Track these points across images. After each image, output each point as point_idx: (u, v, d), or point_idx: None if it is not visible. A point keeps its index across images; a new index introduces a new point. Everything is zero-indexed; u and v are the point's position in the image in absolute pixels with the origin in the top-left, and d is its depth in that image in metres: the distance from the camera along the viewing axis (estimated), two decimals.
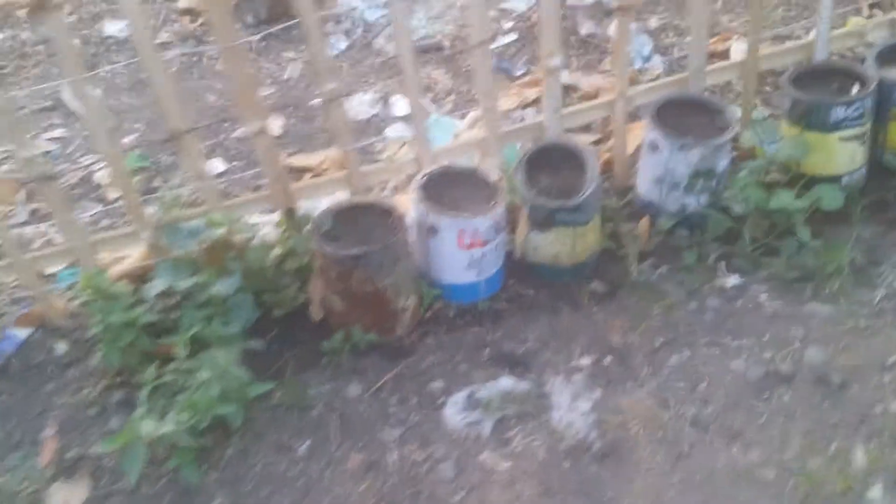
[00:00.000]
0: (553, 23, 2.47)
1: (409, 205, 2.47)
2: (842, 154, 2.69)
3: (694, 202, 2.64)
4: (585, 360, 2.32)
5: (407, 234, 2.38)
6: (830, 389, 2.17)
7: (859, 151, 2.72)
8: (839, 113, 2.64)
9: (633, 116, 2.86)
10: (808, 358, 2.25)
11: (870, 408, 2.10)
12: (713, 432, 2.12)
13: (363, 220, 2.40)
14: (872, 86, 2.68)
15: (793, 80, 2.77)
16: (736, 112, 2.89)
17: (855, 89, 2.72)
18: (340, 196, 2.58)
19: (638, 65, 3.43)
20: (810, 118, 2.67)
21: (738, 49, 3.33)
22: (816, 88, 2.75)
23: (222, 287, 2.27)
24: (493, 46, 3.60)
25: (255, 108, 2.30)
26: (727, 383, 2.22)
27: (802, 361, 2.24)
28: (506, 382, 2.28)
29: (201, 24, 3.96)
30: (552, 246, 2.49)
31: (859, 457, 2.00)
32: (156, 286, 2.30)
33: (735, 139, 2.86)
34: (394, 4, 2.26)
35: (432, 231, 2.38)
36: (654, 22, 3.72)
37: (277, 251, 2.47)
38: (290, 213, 2.48)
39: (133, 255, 2.52)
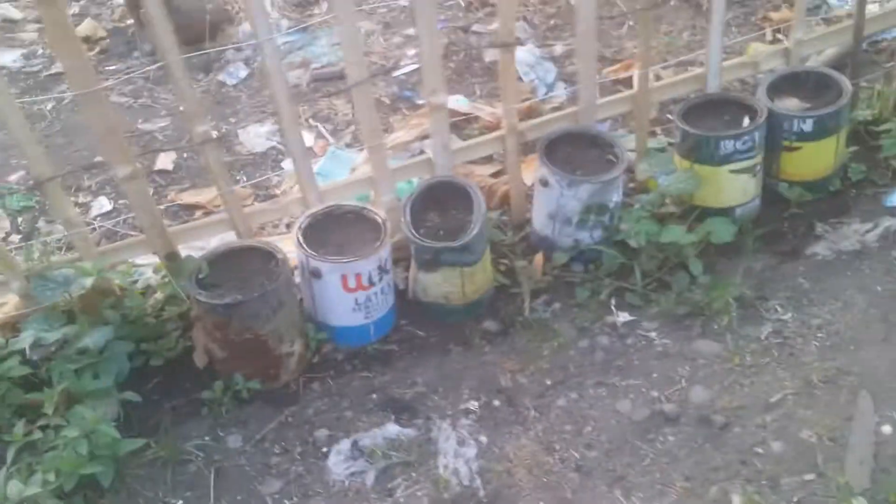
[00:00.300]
0: (436, 59, 2.43)
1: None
2: (733, 186, 2.71)
3: (587, 237, 2.63)
4: (473, 404, 2.28)
5: (290, 278, 2.32)
6: (713, 430, 2.16)
7: (751, 183, 2.74)
8: (728, 146, 2.65)
9: (533, 148, 2.83)
10: (692, 398, 2.25)
11: (750, 450, 2.10)
12: (596, 477, 2.09)
13: (245, 263, 2.33)
14: (762, 118, 2.69)
15: (685, 112, 2.78)
16: (628, 144, 2.89)
17: (745, 121, 2.73)
18: (227, 237, 2.50)
19: (542, 93, 3.41)
20: (700, 151, 2.68)
21: (647, 76, 3.32)
22: (709, 120, 2.76)
23: (93, 338, 2.18)
24: (396, 74, 3.58)
25: (122, 153, 2.21)
26: (613, 425, 2.20)
27: (687, 401, 2.24)
28: (392, 429, 2.23)
29: (99, 52, 3.85)
30: (441, 286, 2.45)
31: (736, 501, 1.99)
32: (24, 339, 2.21)
33: (631, 171, 2.87)
34: (264, 44, 2.20)
35: (315, 274, 2.32)
36: (559, 48, 3.71)
37: (159, 296, 2.38)
38: (170, 258, 2.39)
39: (7, 305, 2.41)
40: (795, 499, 1.99)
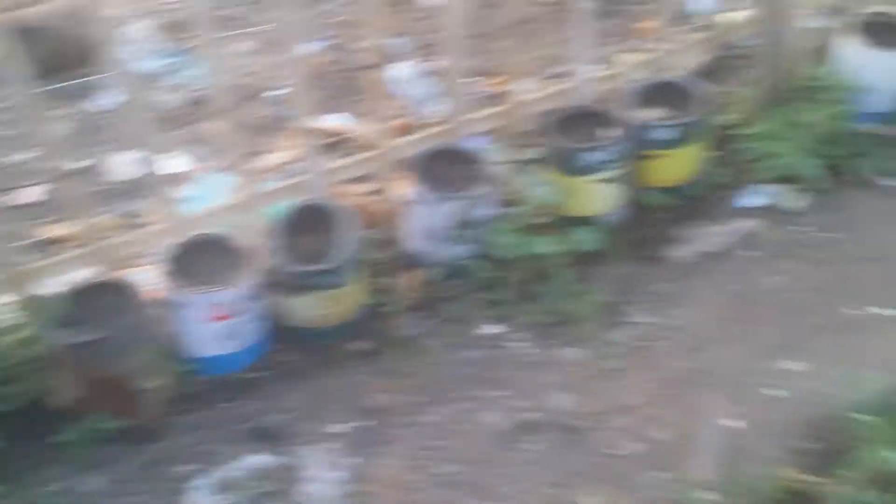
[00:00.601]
0: (306, 82, 2.44)
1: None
2: (598, 196, 2.78)
3: (460, 252, 2.66)
4: (343, 427, 2.29)
5: (148, 312, 2.29)
6: (576, 436, 2.22)
7: (616, 192, 2.82)
8: (592, 157, 2.72)
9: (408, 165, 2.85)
10: (557, 405, 2.30)
11: (611, 453, 2.16)
12: (465, 491, 2.13)
13: (104, 299, 2.29)
14: (624, 128, 2.78)
15: (552, 125, 2.84)
16: (500, 158, 2.94)
17: (609, 132, 2.81)
18: (88, 272, 2.46)
19: (420, 110, 3.44)
20: (565, 163, 2.74)
21: (519, 90, 3.36)
22: (577, 131, 2.83)
23: None
24: (272, 94, 3.56)
25: None
26: (481, 438, 2.24)
27: (552, 409, 2.29)
28: (259, 459, 2.22)
29: None
30: (311, 309, 2.45)
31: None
32: None
33: (503, 185, 2.92)
34: (125, 74, 2.18)
35: (180, 305, 2.30)
36: (440, 64, 3.74)
37: (16, 337, 2.33)
38: (26, 296, 2.34)
39: None
40: (653, 498, 2.05)
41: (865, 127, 3.16)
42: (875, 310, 2.48)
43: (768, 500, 2.01)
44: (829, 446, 2.08)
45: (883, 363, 2.27)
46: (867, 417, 2.03)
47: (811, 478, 2.02)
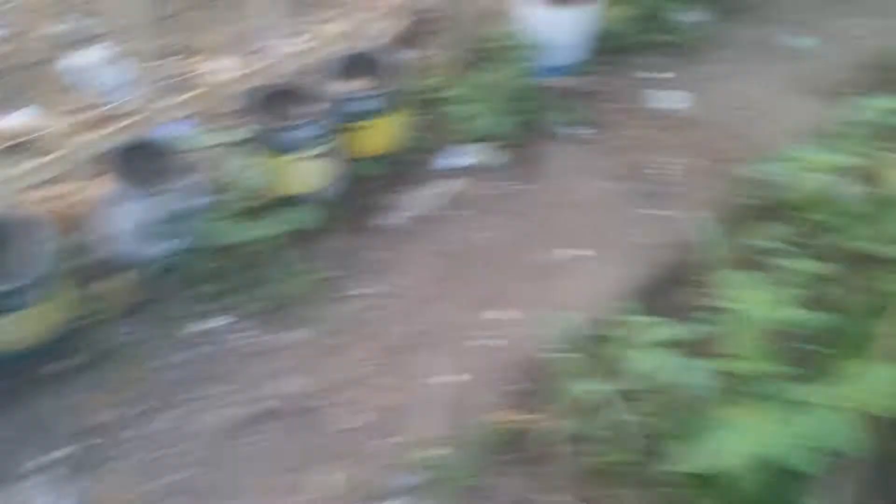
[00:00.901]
0: None
1: None
2: (308, 173, 2.80)
3: (171, 247, 2.57)
4: (64, 451, 2.16)
5: None
6: (309, 418, 2.25)
7: (326, 167, 2.84)
8: (296, 134, 2.72)
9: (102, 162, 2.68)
10: (288, 390, 2.31)
11: (343, 428, 2.22)
12: (199, 495, 2.08)
13: None
14: (327, 102, 2.80)
15: (253, 104, 2.80)
16: (203, 143, 2.85)
17: (311, 108, 2.82)
18: None
19: (115, 98, 3.22)
20: (270, 143, 2.72)
21: (215, 69, 3.27)
22: (278, 110, 2.81)
23: None
24: None
25: None
26: (211, 438, 2.20)
27: (283, 395, 2.30)
28: None
29: None
30: (5, 333, 2.25)
31: (340, 480, 2.10)
32: None
33: (210, 170, 2.84)
34: None
35: None
36: (130, 46, 3.52)
37: None
38: None
39: None
40: (387, 464, 2.13)
41: (548, 81, 3.43)
42: (568, 251, 2.72)
43: (490, 444, 2.16)
44: (538, 385, 2.28)
45: (576, 302, 2.51)
46: (565, 354, 2.24)
47: (524, 416, 2.20)
